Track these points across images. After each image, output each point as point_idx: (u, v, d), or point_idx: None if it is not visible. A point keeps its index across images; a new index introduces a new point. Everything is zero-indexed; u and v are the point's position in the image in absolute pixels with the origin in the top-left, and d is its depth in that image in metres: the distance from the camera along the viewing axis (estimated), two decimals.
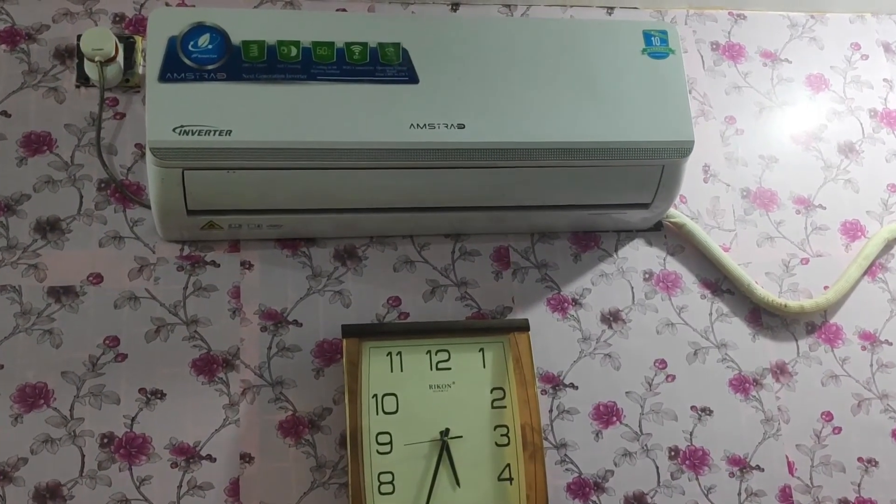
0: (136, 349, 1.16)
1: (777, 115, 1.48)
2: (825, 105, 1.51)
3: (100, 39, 1.20)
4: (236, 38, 1.11)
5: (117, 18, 1.31)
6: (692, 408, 1.27)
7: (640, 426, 1.25)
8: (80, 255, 1.19)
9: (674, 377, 1.28)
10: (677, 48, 1.23)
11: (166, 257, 1.21)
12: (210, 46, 1.10)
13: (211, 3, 1.33)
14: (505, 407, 1.17)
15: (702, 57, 1.49)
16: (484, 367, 1.19)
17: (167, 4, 1.33)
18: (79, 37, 1.23)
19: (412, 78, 1.14)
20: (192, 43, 1.10)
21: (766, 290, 1.34)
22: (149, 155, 1.06)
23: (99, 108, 1.22)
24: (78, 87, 1.26)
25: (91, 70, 1.22)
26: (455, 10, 1.43)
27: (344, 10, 1.39)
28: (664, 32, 1.24)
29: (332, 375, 1.19)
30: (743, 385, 1.29)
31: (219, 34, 1.11)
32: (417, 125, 1.12)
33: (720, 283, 1.35)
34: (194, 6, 1.33)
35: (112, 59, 1.22)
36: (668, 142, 1.18)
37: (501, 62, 1.17)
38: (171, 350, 1.17)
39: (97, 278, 1.18)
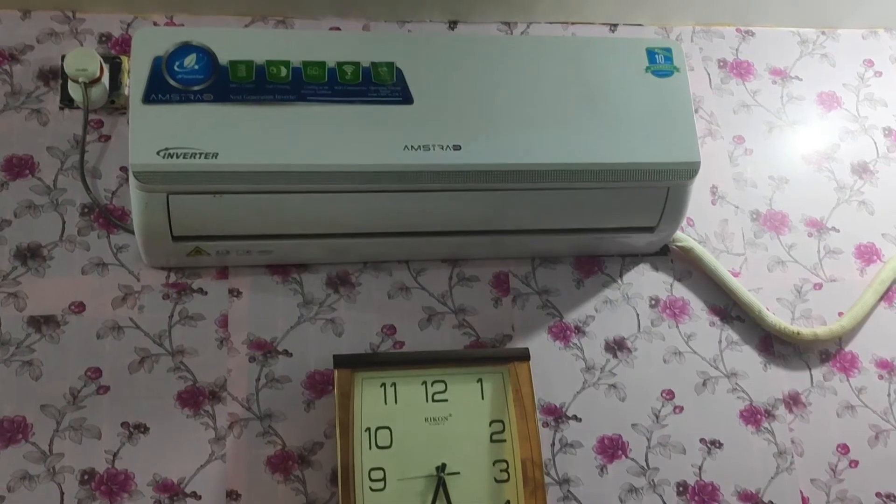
0: (119, 381, 1.14)
1: (787, 135, 1.46)
2: (838, 124, 1.49)
3: (84, 60, 1.20)
4: (224, 57, 1.10)
5: (103, 38, 1.30)
6: (701, 441, 1.24)
7: (646, 460, 1.22)
8: (61, 282, 1.17)
9: (682, 408, 1.26)
10: (682, 66, 1.21)
11: (151, 285, 1.19)
12: (196, 67, 1.09)
13: (200, 23, 1.33)
14: (504, 440, 1.14)
15: (709, 74, 1.48)
16: (482, 398, 1.16)
17: (155, 24, 1.32)
18: (63, 57, 1.22)
19: (406, 98, 1.13)
20: (177, 63, 1.09)
21: (778, 316, 1.32)
22: (132, 179, 1.04)
23: (83, 131, 1.21)
24: (62, 108, 1.25)
25: (75, 91, 1.22)
26: (453, 29, 1.42)
27: (338, 28, 1.38)
28: (668, 50, 1.22)
29: (324, 408, 1.17)
30: (754, 416, 1.27)
31: (205, 54, 1.10)
32: (412, 147, 1.10)
33: (730, 309, 1.33)
34: (183, 25, 1.33)
35: (97, 80, 1.21)
36: (674, 163, 1.17)
37: (499, 81, 1.16)
38: (156, 382, 1.15)
39: (79, 307, 1.16)
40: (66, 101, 1.24)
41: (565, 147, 1.14)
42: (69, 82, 1.22)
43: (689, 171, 1.18)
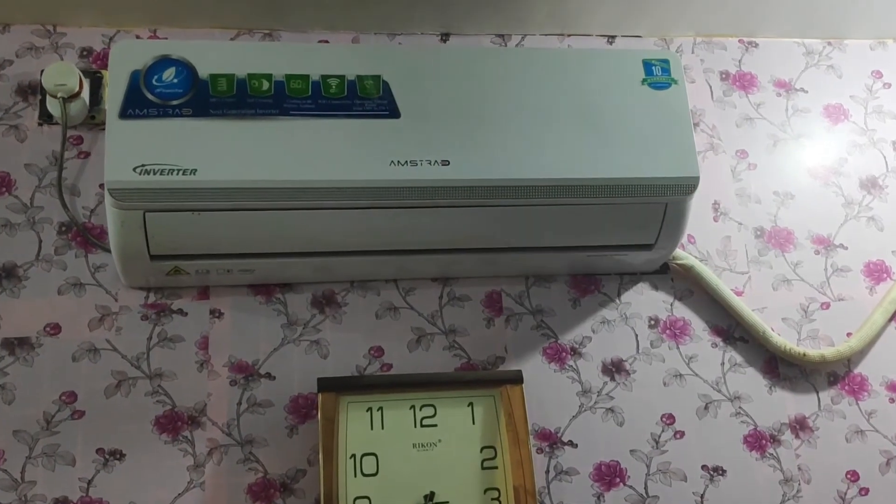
0: (95, 405, 1.12)
1: (793, 149, 1.45)
2: (845, 137, 1.47)
3: (62, 74, 1.19)
4: (204, 71, 1.09)
5: (84, 53, 1.29)
6: (703, 467, 1.22)
7: (645, 488, 1.20)
8: (37, 303, 1.16)
9: (683, 433, 1.23)
10: (680, 78, 1.20)
11: (129, 305, 1.18)
12: (175, 80, 1.08)
13: (185, 36, 1.32)
14: (496, 467, 1.12)
15: (710, 87, 1.46)
16: (473, 423, 1.14)
17: (138, 38, 1.31)
18: (42, 72, 1.21)
19: (393, 112, 1.11)
20: (156, 77, 1.08)
21: (784, 337, 1.29)
22: (107, 196, 1.03)
23: (61, 147, 1.20)
24: (40, 124, 1.24)
25: (54, 107, 1.21)
26: (445, 41, 1.41)
27: (326, 41, 1.37)
28: (666, 62, 1.21)
29: (307, 434, 1.15)
30: (759, 442, 1.24)
31: (185, 67, 1.09)
32: (398, 162, 1.09)
33: (733, 330, 1.30)
34: (167, 39, 1.32)
35: (76, 95, 1.20)
36: (671, 178, 1.15)
37: (490, 94, 1.14)
38: (133, 406, 1.13)
39: (55, 328, 1.15)
40: (45, 117, 1.23)
41: (558, 162, 1.13)
42: (48, 97, 1.21)
43: (687, 186, 1.16)
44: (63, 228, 1.20)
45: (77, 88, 1.20)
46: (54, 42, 1.29)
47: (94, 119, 1.24)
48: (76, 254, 1.19)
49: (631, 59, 1.20)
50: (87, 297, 1.17)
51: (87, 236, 1.20)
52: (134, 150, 1.03)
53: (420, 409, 1.14)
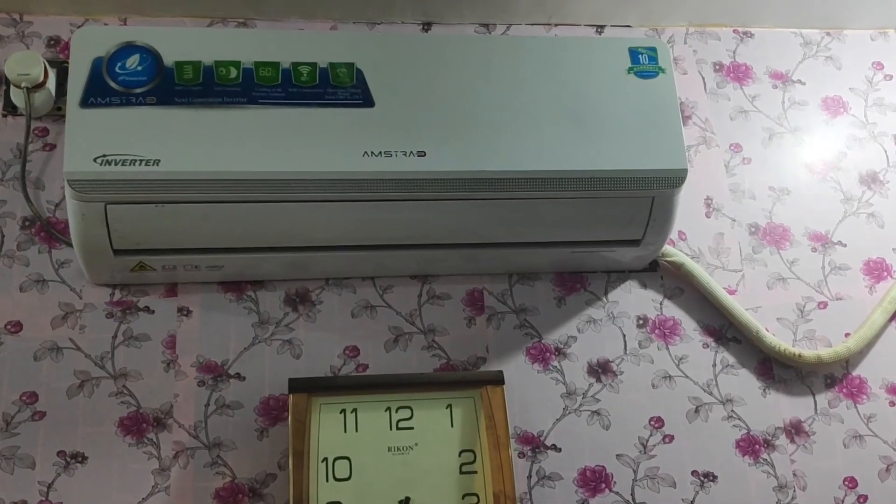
0: (56, 406, 1.10)
1: (789, 142, 1.42)
2: (844, 130, 1.45)
3: (26, 63, 1.17)
4: (169, 58, 1.07)
5: (52, 42, 1.28)
6: (693, 473, 1.19)
7: (632, 495, 1.17)
8: None
9: (672, 438, 1.21)
10: (668, 67, 1.18)
11: (94, 303, 1.16)
12: (140, 68, 1.06)
13: (156, 25, 1.30)
14: (475, 472, 1.10)
15: (703, 79, 1.44)
16: (451, 426, 1.12)
17: (106, 26, 1.30)
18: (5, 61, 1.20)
19: (367, 101, 1.09)
20: (119, 64, 1.06)
21: (779, 337, 1.27)
22: (67, 188, 1.01)
23: (25, 139, 1.18)
24: (4, 115, 1.22)
25: (17, 97, 1.19)
26: (427, 31, 1.39)
27: (303, 30, 1.35)
28: (653, 49, 1.19)
29: (278, 437, 1.13)
30: (752, 447, 1.22)
31: (150, 54, 1.07)
32: (372, 153, 1.07)
33: (725, 330, 1.28)
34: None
35: (41, 85, 1.19)
36: (658, 170, 1.13)
37: (469, 83, 1.13)
38: (96, 407, 1.11)
39: (16, 326, 1.13)
40: (10, 108, 1.22)
41: (539, 154, 1.11)
42: (12, 88, 1.19)
43: (675, 179, 1.14)
44: (26, 223, 1.18)
45: (42, 78, 1.18)
46: (20, 31, 1.28)
47: (60, 111, 1.23)
48: (39, 249, 1.17)
49: (616, 46, 1.19)
50: (51, 294, 1.15)
51: (50, 231, 1.18)
52: (95, 139, 1.02)
53: (396, 411, 1.12)
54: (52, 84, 1.21)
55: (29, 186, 1.19)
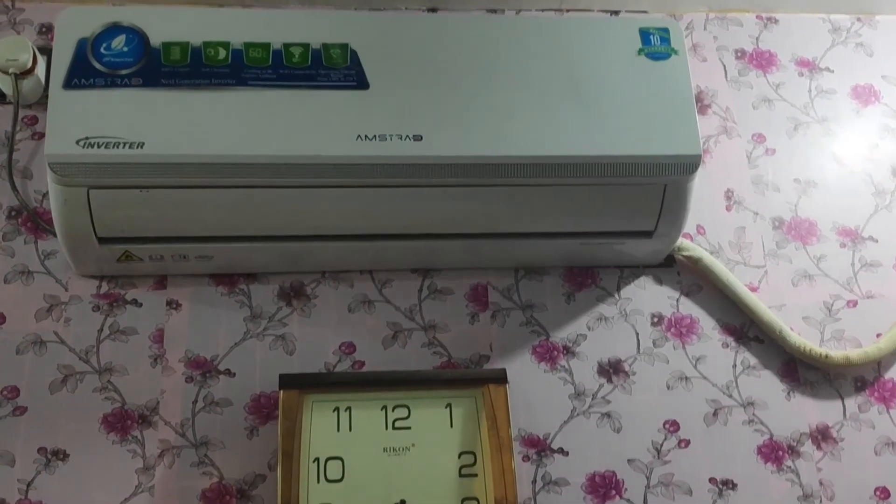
0: (38, 401, 1.09)
1: (816, 133, 1.39)
2: (875, 120, 1.41)
3: (14, 48, 1.18)
4: (156, 39, 1.07)
5: (43, 29, 1.29)
6: (711, 480, 1.16)
7: (645, 502, 1.14)
8: None
9: (688, 442, 1.18)
10: (681, 48, 1.16)
11: (80, 295, 1.15)
12: (125, 49, 1.06)
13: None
14: (475, 476, 1.08)
15: (724, 66, 1.41)
16: (451, 426, 1.10)
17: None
18: None
19: (361, 83, 1.08)
20: (104, 45, 1.06)
21: (804, 337, 1.23)
22: (49, 172, 1.01)
23: (12, 127, 1.18)
24: None
25: (5, 83, 1.19)
26: None
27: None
28: (665, 30, 1.17)
29: (269, 436, 1.11)
30: (775, 453, 1.18)
31: (136, 35, 1.07)
32: (365, 137, 1.06)
33: (746, 328, 1.24)
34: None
35: (29, 72, 1.19)
36: (670, 156, 1.11)
37: (469, 64, 1.11)
38: (79, 403, 1.10)
39: None
40: None
41: (543, 138, 1.09)
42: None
43: (688, 165, 1.11)
44: (13, 213, 1.18)
45: (30, 64, 1.19)
46: (12, 18, 1.29)
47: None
48: (25, 240, 1.17)
49: (626, 27, 1.17)
50: (36, 286, 1.15)
51: (37, 221, 1.18)
52: (78, 121, 1.02)
53: (392, 410, 1.11)
54: (41, 71, 1.21)
55: (16, 175, 1.19)
